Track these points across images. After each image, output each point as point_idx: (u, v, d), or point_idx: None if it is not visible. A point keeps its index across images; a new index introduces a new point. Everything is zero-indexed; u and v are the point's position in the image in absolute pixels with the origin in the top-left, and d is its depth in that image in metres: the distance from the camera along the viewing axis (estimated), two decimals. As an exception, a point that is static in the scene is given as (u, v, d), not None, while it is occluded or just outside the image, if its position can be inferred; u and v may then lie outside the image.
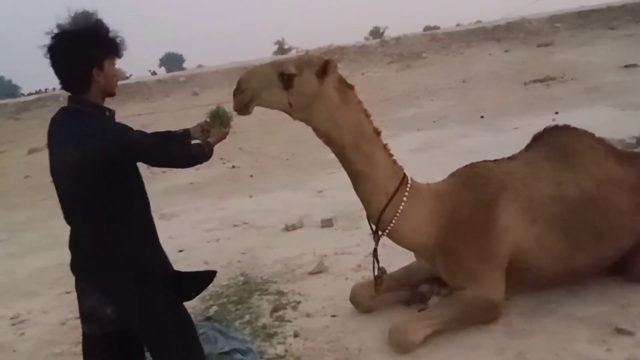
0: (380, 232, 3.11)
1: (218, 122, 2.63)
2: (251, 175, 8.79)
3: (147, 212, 2.41)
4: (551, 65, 13.90)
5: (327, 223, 5.43)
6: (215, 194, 8.06)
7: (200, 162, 2.44)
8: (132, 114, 13.27)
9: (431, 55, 17.92)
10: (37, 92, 24.42)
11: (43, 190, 9.82)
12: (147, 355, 2.52)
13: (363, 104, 3.01)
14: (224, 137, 2.63)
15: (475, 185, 3.22)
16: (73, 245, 2.35)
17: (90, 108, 2.28)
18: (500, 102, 11.17)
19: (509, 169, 3.28)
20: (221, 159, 10.30)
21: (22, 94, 28.07)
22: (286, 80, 2.79)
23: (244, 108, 2.78)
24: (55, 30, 2.25)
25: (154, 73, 34.32)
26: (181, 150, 2.40)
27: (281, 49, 47.63)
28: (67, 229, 2.37)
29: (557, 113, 8.99)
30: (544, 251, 3.11)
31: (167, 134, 2.62)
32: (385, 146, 3.08)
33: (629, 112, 8.45)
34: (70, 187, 2.24)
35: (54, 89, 26.10)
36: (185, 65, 52.87)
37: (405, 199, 3.05)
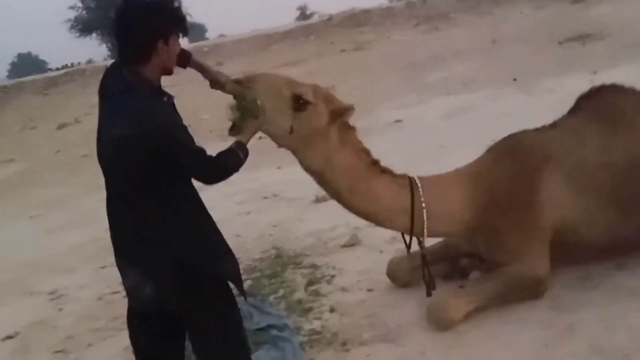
0: (421, 238, 2.97)
1: (251, 115, 2.42)
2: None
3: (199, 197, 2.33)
4: (586, 22, 13.25)
5: (359, 193, 5.33)
6: (244, 165, 8.00)
7: (237, 171, 2.26)
8: (157, 86, 13.25)
9: (459, 16, 17.33)
10: (63, 67, 24.64)
11: (74, 165, 9.94)
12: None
13: (362, 142, 2.83)
14: (258, 129, 2.46)
15: (515, 157, 3.05)
16: (113, 218, 2.26)
17: (146, 85, 2.16)
18: (533, 63, 10.71)
19: (551, 138, 3.10)
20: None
21: (50, 69, 28.37)
22: (299, 103, 2.59)
23: (235, 128, 2.42)
24: None
25: (177, 44, 34.19)
26: (218, 163, 2.21)
27: (303, 14, 46.78)
28: (98, 205, 2.31)
29: (595, 73, 8.57)
30: (591, 223, 2.96)
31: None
32: (383, 170, 2.89)
33: (672, 69, 8.02)
34: (115, 161, 2.16)
35: (79, 63, 26.33)
36: (207, 35, 52.60)
37: (423, 201, 2.87)
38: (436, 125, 7.58)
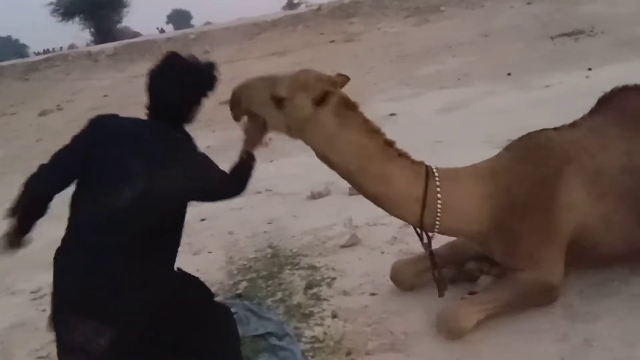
0: (430, 234, 2.83)
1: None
2: (270, 138, 8.45)
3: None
4: (578, 18, 13.21)
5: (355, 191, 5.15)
6: (233, 158, 7.76)
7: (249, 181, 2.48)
8: (142, 74, 12.91)
9: (450, 9, 17.20)
10: (45, 52, 24.04)
11: (56, 154, 9.63)
12: None
13: (370, 122, 2.70)
14: (259, 142, 2.62)
15: (535, 158, 2.90)
16: (80, 272, 2.10)
17: (181, 133, 2.24)
18: (526, 58, 10.63)
19: (572, 138, 2.95)
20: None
21: (34, 53, 27.66)
22: (278, 101, 2.57)
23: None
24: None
25: (162, 31, 33.71)
26: (237, 180, 2.43)
27: (290, 3, 46.32)
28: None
29: (590, 69, 8.51)
30: (611, 229, 2.82)
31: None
32: (400, 153, 2.75)
33: (667, 67, 7.97)
34: (153, 213, 2.10)
35: (61, 48, 25.71)
36: (192, 22, 51.89)
37: (439, 193, 2.73)
38: (431, 120, 7.44)
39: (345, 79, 2.78)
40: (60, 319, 2.12)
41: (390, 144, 2.74)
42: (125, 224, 2.06)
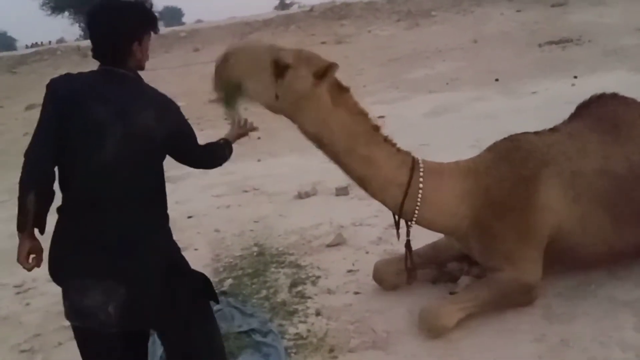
0: (409, 223, 2.89)
1: (234, 97, 2.56)
2: (259, 138, 8.42)
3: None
4: (566, 27, 13.41)
5: (343, 191, 5.20)
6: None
7: (222, 164, 2.50)
8: (132, 71, 12.82)
9: (440, 14, 17.35)
10: (33, 45, 23.83)
11: (43, 149, 9.54)
12: None
13: (359, 104, 2.76)
14: (243, 135, 2.65)
15: (515, 159, 2.98)
16: (96, 233, 2.07)
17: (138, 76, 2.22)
18: (514, 65, 10.77)
19: (551, 142, 3.04)
20: (226, 119, 9.96)
21: (27, 46, 27.35)
22: (279, 69, 2.54)
23: (229, 101, 2.58)
24: None
25: (152, 27, 33.47)
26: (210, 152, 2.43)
27: (282, 3, 46.34)
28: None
29: (576, 77, 8.65)
30: (587, 230, 2.91)
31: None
32: (386, 139, 2.82)
33: (651, 77, 8.12)
34: (137, 156, 2.07)
35: (50, 42, 25.51)
36: (184, 19, 51.78)
37: (421, 184, 2.80)
38: (419, 123, 7.52)
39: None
40: (68, 287, 2.13)
41: (376, 128, 2.81)
42: (118, 178, 2.05)
